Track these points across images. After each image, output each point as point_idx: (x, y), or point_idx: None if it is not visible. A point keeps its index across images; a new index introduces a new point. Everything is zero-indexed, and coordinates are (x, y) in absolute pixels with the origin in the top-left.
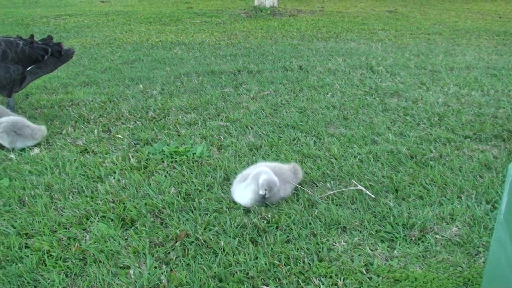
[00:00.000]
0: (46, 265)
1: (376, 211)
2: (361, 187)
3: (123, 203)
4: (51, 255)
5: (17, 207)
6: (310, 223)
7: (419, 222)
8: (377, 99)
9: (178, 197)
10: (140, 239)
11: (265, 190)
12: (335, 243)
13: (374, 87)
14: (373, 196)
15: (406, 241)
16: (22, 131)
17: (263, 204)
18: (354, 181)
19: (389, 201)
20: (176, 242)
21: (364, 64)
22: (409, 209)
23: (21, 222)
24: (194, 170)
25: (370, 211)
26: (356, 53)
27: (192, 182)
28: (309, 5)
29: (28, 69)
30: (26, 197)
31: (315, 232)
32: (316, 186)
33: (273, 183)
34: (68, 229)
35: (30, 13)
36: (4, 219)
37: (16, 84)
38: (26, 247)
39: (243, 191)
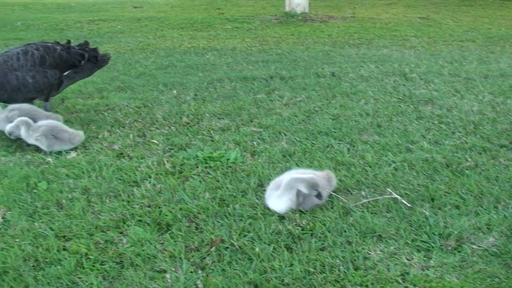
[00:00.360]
0: (84, 268)
1: (412, 220)
2: (396, 196)
3: (159, 208)
4: (88, 258)
5: (55, 209)
6: (345, 231)
7: (455, 232)
8: (411, 106)
9: (213, 202)
10: (176, 244)
11: (316, 190)
12: (371, 251)
13: (407, 95)
14: (408, 205)
15: (443, 250)
16: (60, 135)
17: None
18: (389, 190)
19: (425, 210)
20: (212, 247)
21: (397, 71)
22: (445, 219)
23: (59, 224)
24: (228, 176)
25: (405, 220)
26: (388, 59)
27: (227, 187)
28: (340, 11)
29: (65, 73)
30: (63, 200)
31: (350, 240)
32: (351, 194)
33: (317, 184)
34: (105, 232)
35: (64, 18)
36: (43, 222)
37: (53, 88)
38: (64, 249)
39: (278, 197)
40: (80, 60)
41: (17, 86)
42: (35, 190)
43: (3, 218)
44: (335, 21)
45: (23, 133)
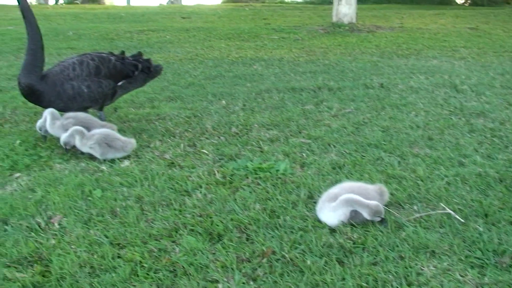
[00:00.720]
0: (138, 276)
1: (465, 236)
2: (449, 211)
3: (210, 218)
4: (143, 266)
5: (109, 217)
6: (397, 246)
7: (510, 249)
8: (463, 119)
9: (263, 213)
10: (228, 254)
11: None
12: (424, 267)
13: (459, 107)
14: (462, 221)
15: (497, 268)
16: (113, 143)
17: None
18: (442, 204)
19: (479, 226)
20: (263, 258)
21: (447, 82)
22: (500, 235)
23: (114, 232)
24: (278, 187)
25: (459, 236)
26: (438, 71)
27: (277, 199)
28: (387, 21)
29: (119, 84)
30: (117, 208)
31: (403, 255)
32: (403, 208)
33: (381, 211)
34: (159, 241)
35: (114, 28)
36: (98, 229)
37: (107, 98)
38: (118, 257)
39: (332, 210)
40: (133, 71)
41: (72, 95)
42: (90, 198)
43: (59, 224)
44: (382, 31)
45: (77, 142)
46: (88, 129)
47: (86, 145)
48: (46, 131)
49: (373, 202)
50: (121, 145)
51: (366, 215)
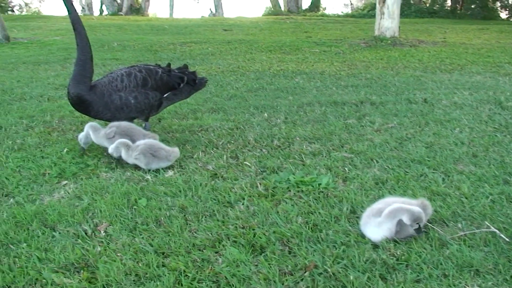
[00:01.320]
0: (182, 285)
1: (510, 255)
2: (494, 229)
3: (253, 230)
4: (186, 275)
5: (154, 226)
6: (441, 264)
7: None
8: (508, 136)
9: (306, 227)
10: (270, 266)
11: (417, 224)
12: (468, 286)
13: (504, 124)
14: (507, 240)
15: None
16: (158, 153)
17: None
18: (487, 223)
19: None
20: (305, 272)
21: (492, 99)
22: None
23: (158, 241)
24: (320, 201)
25: (504, 255)
26: (482, 87)
27: (319, 213)
28: (430, 36)
29: (165, 95)
30: (162, 217)
31: (447, 273)
32: (447, 226)
33: (421, 218)
34: (202, 251)
35: (158, 40)
36: (143, 237)
37: (153, 109)
38: (163, 265)
39: (378, 225)
40: (179, 83)
41: (120, 105)
42: (135, 206)
43: (105, 232)
44: (425, 45)
45: (123, 154)
46: (131, 138)
47: (131, 157)
48: (85, 143)
49: (416, 208)
50: (165, 155)
51: (406, 219)
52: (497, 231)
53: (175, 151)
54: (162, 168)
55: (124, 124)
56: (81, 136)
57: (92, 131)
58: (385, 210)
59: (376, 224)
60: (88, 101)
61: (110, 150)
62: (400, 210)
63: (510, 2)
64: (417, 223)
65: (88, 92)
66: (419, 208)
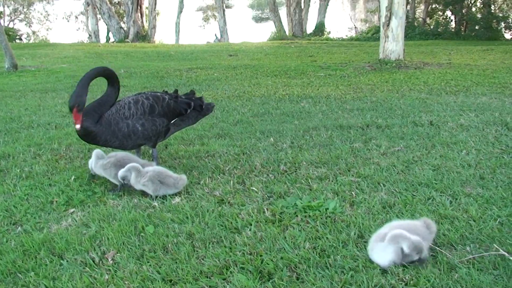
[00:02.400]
0: None
1: None
2: (503, 252)
3: (260, 256)
4: None
5: (161, 253)
6: None
7: None
8: None
9: (314, 252)
10: None
11: (416, 253)
12: None
13: (510, 145)
14: None
15: None
16: (165, 180)
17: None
18: (495, 246)
19: None
20: None
21: (498, 120)
22: None
23: (166, 268)
24: (328, 226)
25: None
26: (488, 108)
27: (327, 238)
28: (435, 57)
29: (172, 121)
30: (169, 244)
31: None
32: (455, 249)
33: (421, 248)
34: (210, 278)
35: (164, 66)
36: (150, 265)
37: (160, 135)
38: None
39: (383, 250)
40: (186, 109)
41: (127, 133)
42: (142, 234)
43: (113, 260)
44: (430, 67)
45: (132, 179)
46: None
47: (139, 183)
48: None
49: (417, 238)
50: (172, 182)
51: (405, 248)
52: (506, 254)
53: (182, 179)
54: (169, 195)
55: (121, 154)
56: (90, 162)
57: (94, 159)
58: (388, 234)
59: (381, 249)
60: (95, 132)
61: (121, 173)
62: (401, 237)
63: None
64: (417, 253)
65: (95, 124)
66: (419, 238)
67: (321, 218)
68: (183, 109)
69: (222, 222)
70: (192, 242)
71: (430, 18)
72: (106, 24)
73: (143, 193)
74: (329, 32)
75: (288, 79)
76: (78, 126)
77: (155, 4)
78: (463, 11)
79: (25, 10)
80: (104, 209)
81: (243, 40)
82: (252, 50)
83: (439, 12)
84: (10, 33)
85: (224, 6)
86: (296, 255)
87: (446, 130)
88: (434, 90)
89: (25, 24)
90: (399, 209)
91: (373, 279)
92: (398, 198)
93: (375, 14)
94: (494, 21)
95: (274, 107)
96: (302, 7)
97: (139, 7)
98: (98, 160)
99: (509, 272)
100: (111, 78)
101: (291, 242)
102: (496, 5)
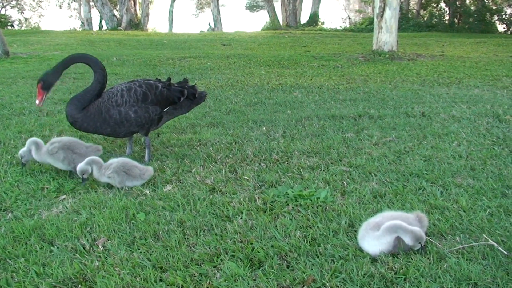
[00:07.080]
0: None
1: (508, 268)
2: (492, 243)
3: (251, 244)
4: None
5: (152, 240)
6: (439, 277)
7: None
8: (506, 149)
9: (304, 241)
10: (268, 281)
11: (419, 244)
12: None
13: (501, 137)
14: (505, 253)
15: None
16: (131, 171)
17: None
18: (485, 236)
19: None
20: (304, 286)
21: (489, 112)
22: None
23: (156, 255)
24: (319, 215)
25: (502, 268)
26: (480, 100)
27: (317, 227)
28: (428, 49)
29: (165, 110)
30: (160, 232)
31: (445, 287)
32: (445, 239)
33: (422, 237)
34: (200, 266)
35: (157, 55)
36: (141, 252)
37: (153, 123)
38: (161, 280)
39: (376, 239)
40: (179, 97)
41: (119, 120)
42: (133, 221)
43: (103, 246)
44: (423, 59)
45: (95, 172)
46: (73, 151)
47: (104, 175)
48: (27, 160)
49: (416, 228)
50: (139, 173)
51: (408, 240)
52: (495, 244)
53: (149, 170)
54: (161, 183)
55: (66, 139)
56: (23, 152)
57: (34, 148)
58: (384, 224)
59: (375, 238)
60: (80, 119)
61: (80, 167)
62: (400, 228)
63: (507, 16)
64: (419, 243)
65: (79, 111)
66: (419, 228)
67: (312, 207)
68: (176, 97)
69: (214, 210)
70: (183, 229)
71: (424, 10)
72: (99, 12)
73: (109, 186)
74: (323, 22)
75: (281, 69)
76: (37, 102)
77: None
78: (457, 3)
79: None
80: (95, 196)
81: (237, 29)
82: (246, 40)
83: (433, 4)
84: (1, 19)
85: None
86: (287, 243)
87: (438, 121)
88: (427, 82)
89: (17, 11)
90: (390, 199)
91: (362, 267)
92: (389, 188)
93: (369, 5)
94: (488, 14)
95: (267, 97)
96: None
97: None
98: (39, 149)
99: (497, 262)
100: (91, 65)
101: (282, 230)
102: None
